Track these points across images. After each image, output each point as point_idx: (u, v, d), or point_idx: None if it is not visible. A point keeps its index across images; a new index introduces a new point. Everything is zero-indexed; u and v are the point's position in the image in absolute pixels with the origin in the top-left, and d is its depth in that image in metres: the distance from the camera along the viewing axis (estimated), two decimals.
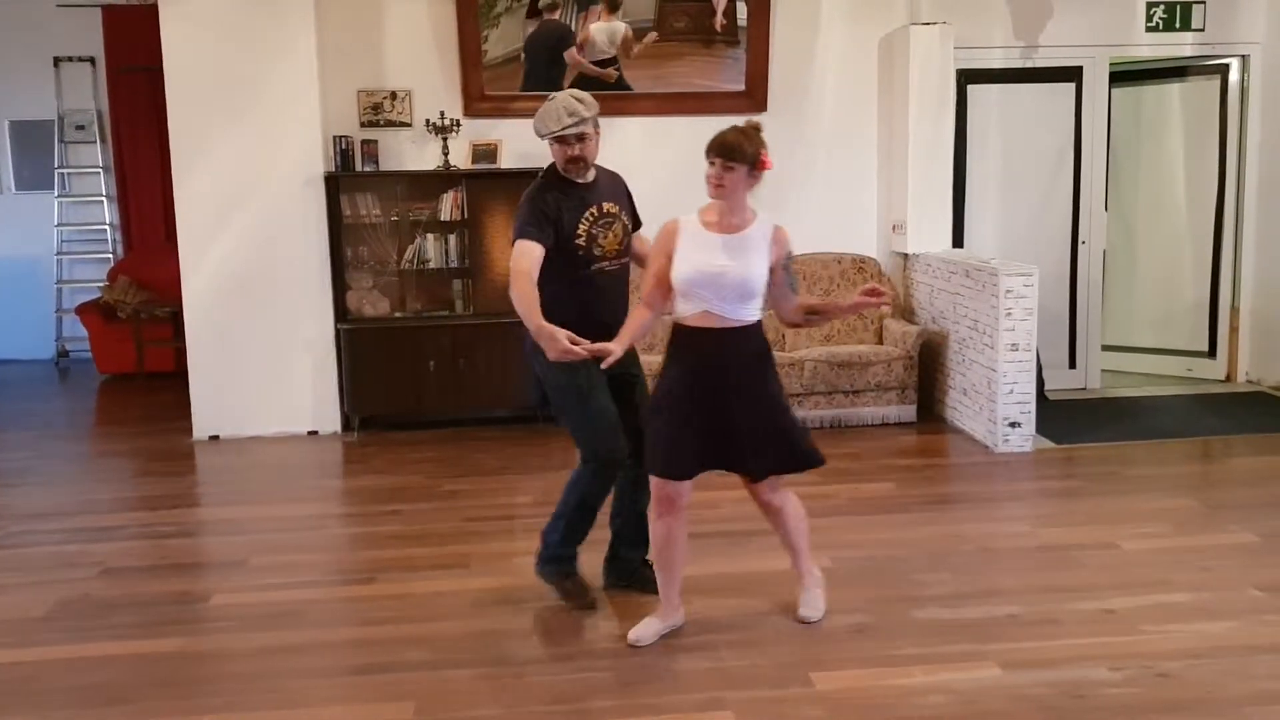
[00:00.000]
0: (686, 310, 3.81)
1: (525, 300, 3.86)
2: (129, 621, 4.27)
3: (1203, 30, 7.71)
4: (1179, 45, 7.77)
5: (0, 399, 8.63)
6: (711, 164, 3.75)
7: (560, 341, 3.69)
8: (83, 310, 9.25)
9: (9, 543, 5.26)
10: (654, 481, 3.88)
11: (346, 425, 7.18)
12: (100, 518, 5.60)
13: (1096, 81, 7.71)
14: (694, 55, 7.45)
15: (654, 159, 7.54)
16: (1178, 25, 7.69)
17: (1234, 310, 7.96)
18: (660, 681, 3.66)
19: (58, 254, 9.90)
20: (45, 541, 5.26)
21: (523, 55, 7.26)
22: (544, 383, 4.17)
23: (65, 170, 9.86)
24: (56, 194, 9.84)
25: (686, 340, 3.83)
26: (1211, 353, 8.07)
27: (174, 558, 5.02)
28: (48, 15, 9.48)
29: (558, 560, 4.26)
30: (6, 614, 4.36)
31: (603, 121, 7.31)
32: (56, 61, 9.68)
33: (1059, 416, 7.04)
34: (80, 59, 9.71)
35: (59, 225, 9.88)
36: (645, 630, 3.96)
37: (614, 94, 7.38)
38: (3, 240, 9.72)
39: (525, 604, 4.35)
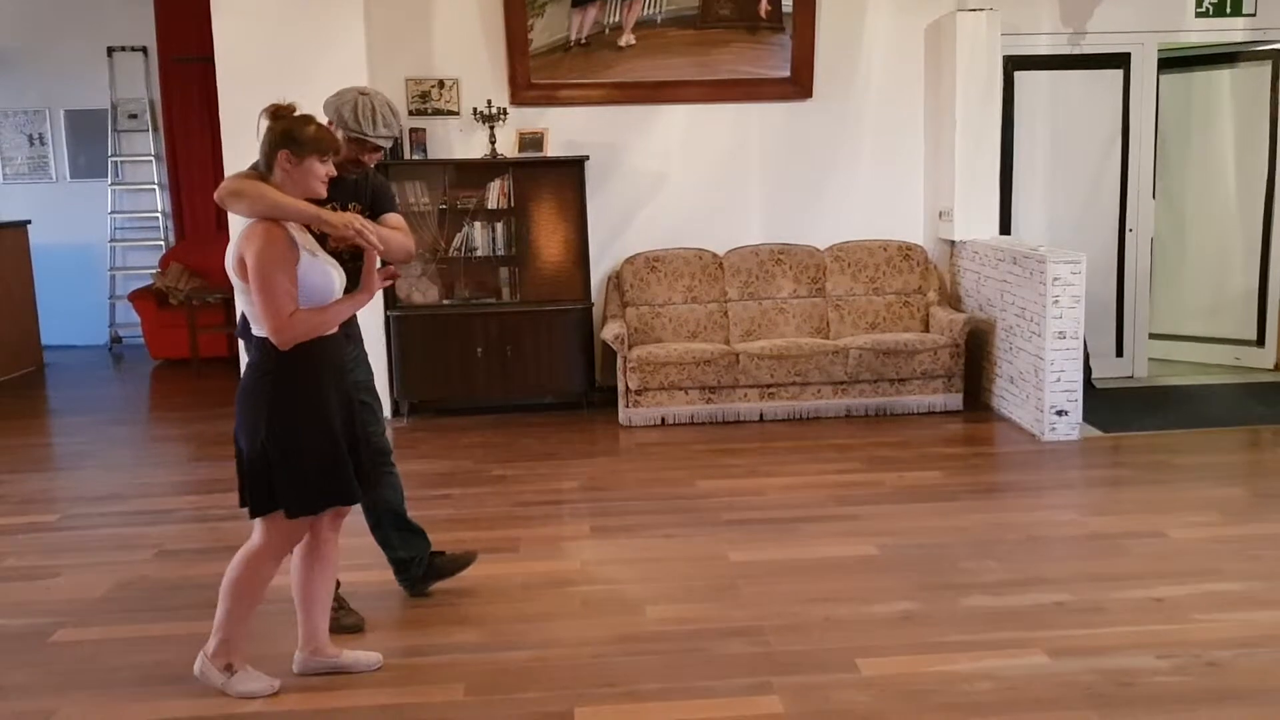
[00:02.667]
0: None
1: (269, 192, 3.34)
2: (185, 602, 4.35)
3: (1254, 15, 7.61)
4: (1230, 30, 7.67)
5: (57, 384, 8.80)
6: (326, 160, 3.42)
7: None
8: (136, 296, 9.41)
9: (69, 525, 5.38)
10: (295, 522, 3.48)
11: (396, 411, 7.25)
12: (155, 501, 5.71)
13: (1145, 68, 7.64)
14: (739, 42, 7.45)
15: (699, 147, 7.59)
16: (1229, 10, 7.60)
17: None
18: (708, 666, 3.69)
19: (111, 241, 10.09)
20: (103, 524, 5.37)
21: None
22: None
23: (119, 158, 10.03)
24: (110, 182, 10.01)
25: (325, 350, 3.44)
26: (1260, 341, 7.99)
27: (227, 540, 5.07)
28: (102, 6, 9.66)
29: None
30: (68, 594, 4.47)
31: (648, 109, 7.52)
32: (110, 51, 9.84)
33: (1106, 405, 7.00)
34: (133, 49, 9.86)
35: (113, 213, 10.06)
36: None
37: (659, 81, 7.42)
38: (58, 228, 9.88)
39: (574, 586, 4.41)
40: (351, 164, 3.87)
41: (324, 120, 3.69)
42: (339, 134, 3.78)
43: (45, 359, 9.46)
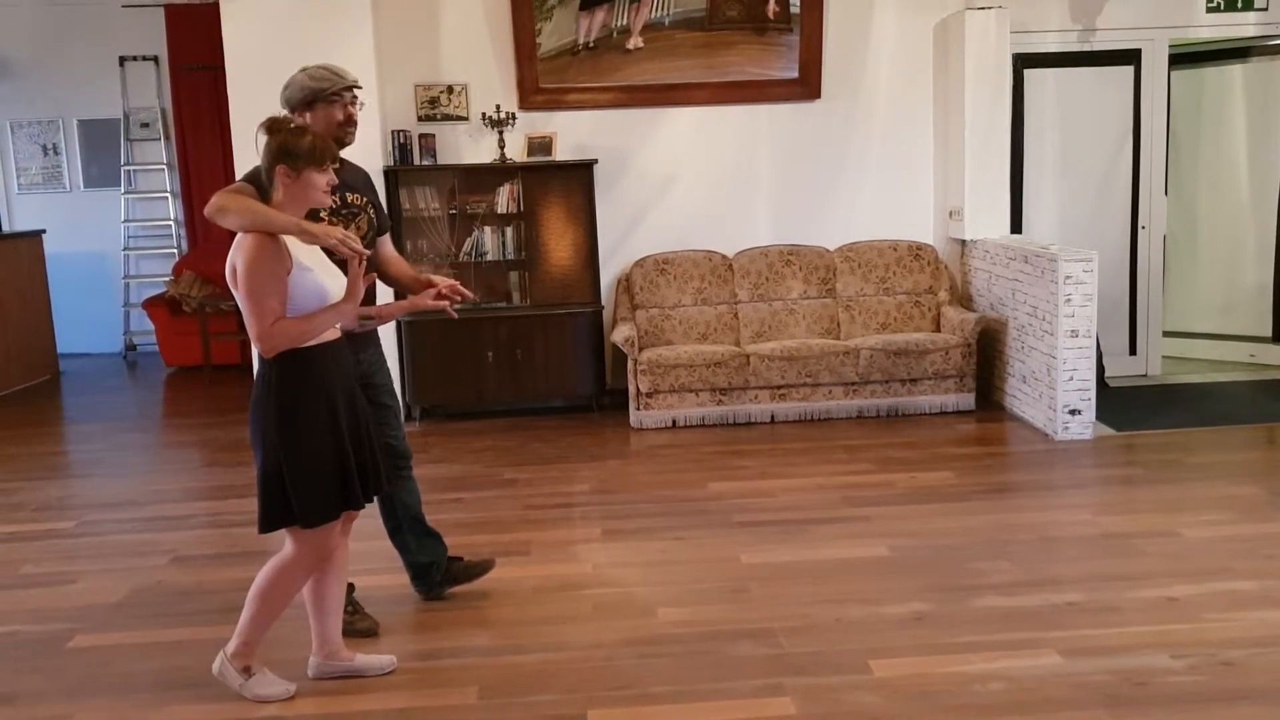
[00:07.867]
0: None
1: (253, 206, 3.33)
2: (200, 608, 4.38)
3: (1266, 10, 7.58)
4: (1241, 26, 7.64)
5: (72, 392, 8.85)
6: (325, 169, 3.40)
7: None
8: (149, 304, 9.46)
9: (85, 531, 5.41)
10: (318, 531, 3.47)
11: (408, 415, 7.27)
12: (170, 507, 5.74)
13: (1156, 64, 7.62)
14: (747, 43, 7.45)
15: (707, 149, 7.59)
16: (1240, 5, 7.57)
17: None
18: (720, 668, 3.69)
19: (125, 249, 10.12)
20: (119, 530, 5.40)
21: None
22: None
23: (131, 167, 10.07)
24: (123, 191, 10.05)
25: (326, 357, 3.43)
26: (1275, 338, 7.96)
27: (241, 546, 5.11)
28: (113, 16, 9.69)
29: None
30: (84, 600, 4.49)
31: (656, 112, 7.53)
32: (122, 61, 9.88)
33: (1119, 403, 6.98)
34: (144, 58, 9.91)
35: (126, 221, 10.09)
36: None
37: (667, 84, 7.43)
38: (72, 237, 9.94)
39: (586, 590, 4.41)
40: (348, 125, 3.84)
41: (296, 120, 3.65)
42: (319, 112, 3.75)
43: (61, 367, 9.51)
